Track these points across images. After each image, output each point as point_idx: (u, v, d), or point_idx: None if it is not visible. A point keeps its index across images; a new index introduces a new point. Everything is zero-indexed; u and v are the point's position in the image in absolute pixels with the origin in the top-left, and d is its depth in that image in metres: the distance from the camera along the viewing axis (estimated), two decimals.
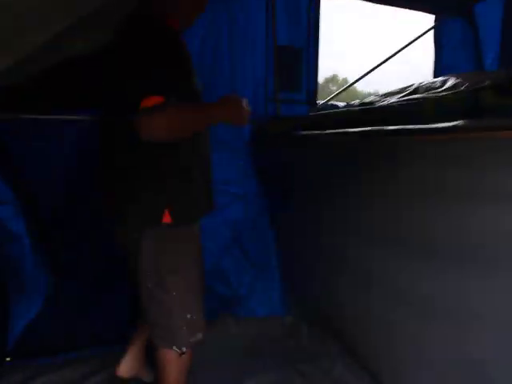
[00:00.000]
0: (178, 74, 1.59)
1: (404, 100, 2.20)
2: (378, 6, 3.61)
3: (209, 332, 1.93)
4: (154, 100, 1.47)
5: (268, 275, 3.32)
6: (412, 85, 2.64)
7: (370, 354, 2.37)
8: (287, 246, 3.14)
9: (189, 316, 1.80)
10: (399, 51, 3.47)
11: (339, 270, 2.37)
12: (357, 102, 2.87)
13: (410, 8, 3.74)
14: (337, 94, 3.43)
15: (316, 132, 2.21)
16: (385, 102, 2.44)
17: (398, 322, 1.96)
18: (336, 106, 3.39)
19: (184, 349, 1.80)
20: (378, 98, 2.66)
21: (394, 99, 2.46)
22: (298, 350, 2.81)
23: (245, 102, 1.76)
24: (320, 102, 3.38)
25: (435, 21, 3.93)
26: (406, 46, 3.56)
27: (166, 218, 1.70)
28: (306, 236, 2.70)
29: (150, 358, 2.23)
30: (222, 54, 3.09)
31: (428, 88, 2.35)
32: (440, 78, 2.31)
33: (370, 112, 2.02)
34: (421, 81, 2.39)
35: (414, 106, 1.83)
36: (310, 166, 2.52)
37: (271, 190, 3.08)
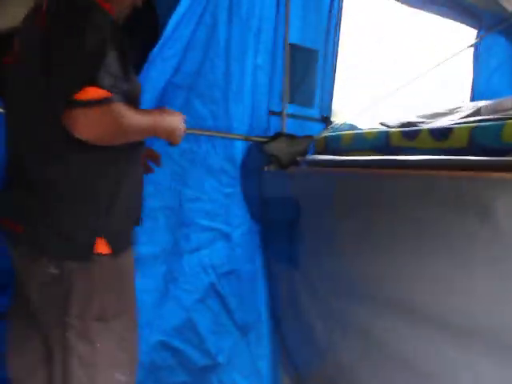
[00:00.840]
0: (116, 67, 1.32)
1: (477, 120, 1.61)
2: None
3: None
4: (93, 92, 1.24)
5: (255, 338, 2.60)
6: (460, 106, 2.22)
7: None
8: (284, 302, 2.39)
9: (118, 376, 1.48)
10: (436, 66, 2.77)
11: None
12: (390, 122, 2.18)
13: (451, 17, 3.12)
14: (358, 113, 2.70)
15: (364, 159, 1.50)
16: (439, 123, 1.80)
17: None
18: (355, 127, 2.68)
19: None
20: (424, 120, 1.99)
21: (447, 120, 1.82)
22: None
23: (182, 118, 1.57)
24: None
25: (476, 37, 3.29)
26: (443, 61, 2.87)
27: (101, 247, 1.41)
28: (315, 293, 1.96)
29: None
30: (216, 47, 2.37)
31: (495, 109, 1.76)
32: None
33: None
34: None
35: None
36: (331, 203, 1.80)
37: (269, 229, 2.34)
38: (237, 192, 2.47)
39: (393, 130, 1.97)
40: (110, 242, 1.41)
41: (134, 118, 1.35)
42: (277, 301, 2.48)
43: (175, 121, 1.53)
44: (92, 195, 1.40)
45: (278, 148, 2.30)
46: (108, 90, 1.24)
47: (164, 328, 2.37)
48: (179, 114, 1.56)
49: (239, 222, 2.52)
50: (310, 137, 2.37)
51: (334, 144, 2.28)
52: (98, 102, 1.23)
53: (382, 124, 2.27)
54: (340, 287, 1.78)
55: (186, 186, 2.33)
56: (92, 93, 1.22)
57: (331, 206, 1.77)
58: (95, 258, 1.39)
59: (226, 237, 2.50)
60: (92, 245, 1.38)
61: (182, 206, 2.34)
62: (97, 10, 1.31)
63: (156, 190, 2.24)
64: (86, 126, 1.25)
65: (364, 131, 2.14)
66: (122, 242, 1.50)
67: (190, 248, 2.39)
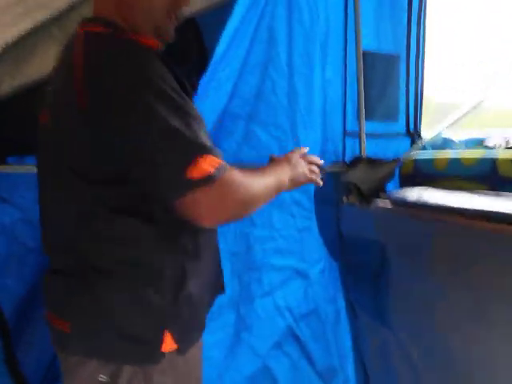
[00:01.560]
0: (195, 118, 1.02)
1: None
2: None
3: None
4: (206, 164, 0.94)
5: None
6: None
7: None
8: (372, 352, 2.07)
9: None
10: None
11: None
12: (492, 140, 1.78)
13: None
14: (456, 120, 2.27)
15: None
16: None
17: None
18: (450, 142, 2.27)
19: None
20: None
21: None
22: None
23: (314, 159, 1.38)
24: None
25: None
26: None
27: (167, 344, 1.08)
28: (407, 358, 1.62)
29: None
30: (276, 64, 2.07)
31: None
32: None
33: None
34: None
35: None
36: (429, 258, 1.45)
37: (350, 271, 2.01)
38: (312, 225, 2.17)
39: (500, 154, 1.57)
40: (178, 337, 1.10)
41: (256, 184, 1.10)
42: (363, 347, 2.15)
43: (297, 165, 1.30)
44: (155, 279, 1.09)
45: (358, 176, 1.97)
46: (217, 156, 0.97)
47: (237, 379, 2.14)
48: (296, 152, 1.34)
49: (316, 258, 2.22)
50: (395, 160, 2.01)
51: (424, 168, 1.91)
52: (215, 175, 0.95)
53: (483, 144, 1.86)
54: (438, 361, 1.43)
55: (253, 226, 2.07)
56: (205, 165, 0.94)
57: (429, 263, 1.42)
58: (159, 358, 1.08)
59: (302, 275, 2.22)
60: (157, 343, 1.07)
61: (250, 248, 2.08)
62: (148, 57, 1.01)
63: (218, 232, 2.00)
64: (211, 209, 0.99)
65: (462, 155, 1.75)
66: (193, 334, 1.21)
67: (262, 291, 2.13)
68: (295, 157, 1.31)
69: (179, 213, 0.99)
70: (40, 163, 1.18)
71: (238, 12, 1.92)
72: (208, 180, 0.93)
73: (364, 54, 2.08)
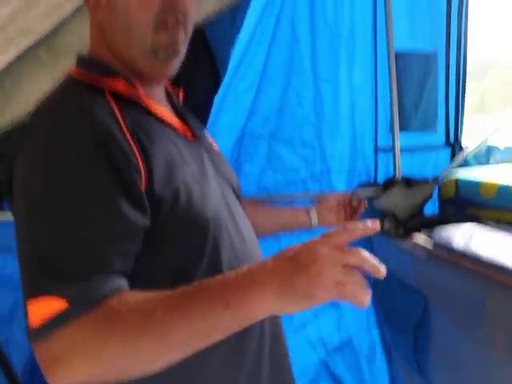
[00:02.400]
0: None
1: None
2: None
3: None
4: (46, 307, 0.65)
5: None
6: None
7: None
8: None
9: None
10: None
11: None
12: None
13: None
14: (498, 128, 1.98)
15: None
16: None
17: None
18: (497, 151, 2.00)
19: None
20: None
21: None
22: None
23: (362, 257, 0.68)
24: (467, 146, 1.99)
25: None
26: None
27: None
28: None
29: None
30: (300, 70, 1.83)
31: None
32: None
33: None
34: None
35: None
36: (482, 321, 1.24)
37: (389, 311, 1.80)
38: None
39: None
40: None
41: (142, 331, 0.66)
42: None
43: (312, 266, 0.66)
44: None
45: (393, 202, 1.73)
46: (63, 295, 0.66)
47: None
48: (326, 240, 0.69)
49: None
50: (434, 181, 1.76)
51: (469, 193, 1.67)
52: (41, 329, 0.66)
53: None
54: None
55: None
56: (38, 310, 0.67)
57: (480, 327, 1.20)
58: None
59: (334, 304, 2.01)
60: None
61: None
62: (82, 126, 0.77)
63: None
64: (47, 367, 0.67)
65: None
66: None
67: (293, 327, 1.95)
68: (316, 251, 0.67)
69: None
70: None
71: (252, 13, 1.69)
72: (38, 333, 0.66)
73: (397, 55, 1.81)
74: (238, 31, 1.68)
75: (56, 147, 0.76)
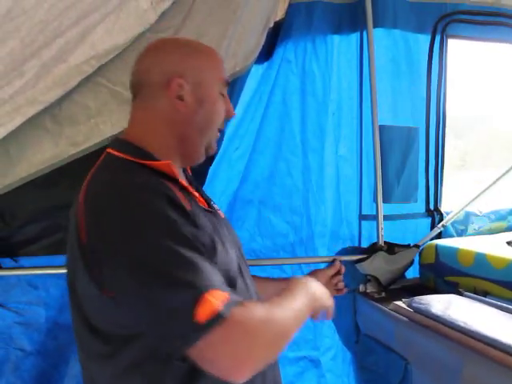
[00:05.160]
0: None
1: None
2: None
3: None
4: (210, 304, 0.78)
5: None
6: None
7: None
8: None
9: None
10: None
11: None
12: None
13: None
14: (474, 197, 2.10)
15: None
16: None
17: None
18: (473, 217, 2.13)
19: None
20: None
21: None
22: None
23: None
24: (447, 211, 2.11)
25: None
26: None
27: None
28: None
29: None
30: (291, 141, 1.96)
31: None
32: None
33: None
34: None
35: None
36: None
37: (371, 373, 1.84)
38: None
39: None
40: None
41: (282, 314, 0.90)
42: None
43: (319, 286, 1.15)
44: None
45: (376, 267, 1.82)
46: (225, 291, 0.83)
47: None
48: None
49: (329, 345, 2.09)
50: (415, 248, 1.86)
51: (447, 260, 1.77)
52: (223, 312, 0.78)
53: (510, 244, 1.71)
54: None
55: None
56: (212, 302, 0.79)
57: None
58: None
59: (315, 364, 2.08)
60: None
61: None
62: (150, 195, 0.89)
63: None
64: (230, 356, 0.80)
65: (489, 253, 1.60)
66: None
67: None
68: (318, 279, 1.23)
69: (205, 370, 0.82)
70: None
71: (249, 85, 1.82)
72: (217, 319, 0.77)
73: (381, 127, 1.94)
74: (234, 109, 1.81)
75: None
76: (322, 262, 1.76)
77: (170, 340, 0.82)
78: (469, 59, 2.32)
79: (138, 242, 0.83)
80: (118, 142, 1.05)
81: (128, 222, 0.84)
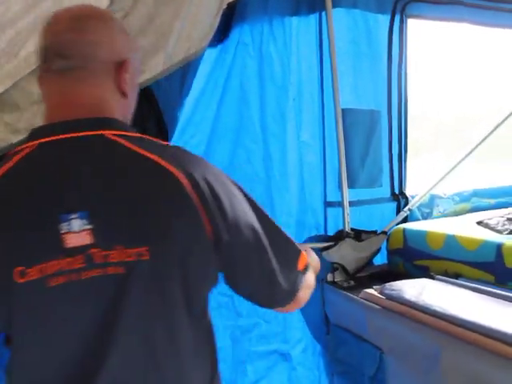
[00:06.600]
0: None
1: None
2: None
3: None
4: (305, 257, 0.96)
5: None
6: None
7: None
8: None
9: None
10: None
11: None
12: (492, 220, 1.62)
13: None
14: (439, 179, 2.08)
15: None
16: None
17: None
18: (438, 199, 2.10)
19: None
20: None
21: None
22: None
23: None
24: (412, 195, 2.07)
25: None
26: None
27: None
28: None
29: None
30: (250, 127, 1.86)
31: None
32: None
33: None
34: None
35: None
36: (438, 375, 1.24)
37: (342, 365, 1.79)
38: None
39: (506, 242, 1.39)
40: None
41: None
42: None
43: None
44: None
45: (343, 255, 1.76)
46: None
47: None
48: None
49: (298, 338, 2.00)
50: (382, 234, 1.81)
51: (416, 244, 1.72)
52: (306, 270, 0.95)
53: (480, 224, 1.68)
54: None
55: (238, 317, 1.85)
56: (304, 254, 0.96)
57: (437, 380, 1.21)
58: None
59: (285, 357, 2.00)
60: None
61: (235, 341, 1.86)
62: None
63: None
64: (310, 292, 0.97)
65: (459, 235, 1.56)
66: None
67: (248, 382, 1.91)
68: None
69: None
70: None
71: (203, 70, 1.72)
72: (309, 266, 0.95)
73: (343, 110, 1.88)
74: (187, 94, 1.71)
75: None
76: None
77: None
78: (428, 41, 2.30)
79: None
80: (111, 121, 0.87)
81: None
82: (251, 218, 0.86)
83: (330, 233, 1.92)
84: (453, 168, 2.05)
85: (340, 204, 1.87)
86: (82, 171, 0.78)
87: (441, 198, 2.12)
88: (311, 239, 1.90)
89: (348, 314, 1.66)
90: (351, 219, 1.87)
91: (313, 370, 2.04)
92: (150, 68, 1.51)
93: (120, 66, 0.87)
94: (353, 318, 1.62)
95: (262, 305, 0.94)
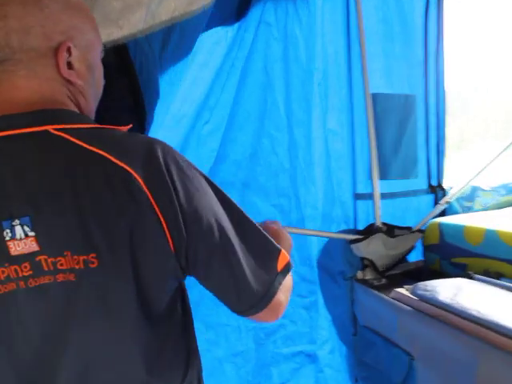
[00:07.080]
0: None
1: None
2: None
3: None
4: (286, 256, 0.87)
5: None
6: None
7: None
8: None
9: None
10: None
11: None
12: None
13: None
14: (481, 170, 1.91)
15: None
16: None
17: None
18: (481, 192, 1.94)
19: None
20: None
21: None
22: None
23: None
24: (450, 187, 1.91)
25: None
26: None
27: None
28: None
29: None
30: (275, 113, 1.74)
31: None
32: None
33: None
34: None
35: None
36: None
37: (370, 370, 1.66)
38: (319, 299, 1.84)
39: None
40: None
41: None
42: None
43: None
44: None
45: (373, 251, 1.63)
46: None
47: None
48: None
49: (325, 338, 1.89)
50: (418, 232, 1.66)
51: (453, 239, 1.58)
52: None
53: None
54: None
55: None
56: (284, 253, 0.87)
57: None
58: None
59: (312, 358, 1.89)
60: None
61: (260, 344, 1.78)
62: None
63: (217, 335, 1.69)
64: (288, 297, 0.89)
65: (501, 230, 1.41)
66: None
67: None
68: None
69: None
70: None
71: (217, 50, 1.59)
72: (290, 266, 0.87)
73: (374, 96, 1.75)
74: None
75: None
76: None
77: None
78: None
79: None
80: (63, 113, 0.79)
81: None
82: (217, 212, 0.78)
83: (360, 227, 1.79)
84: (496, 157, 1.87)
85: (371, 196, 1.74)
86: (23, 173, 0.70)
87: (483, 190, 1.95)
88: (341, 233, 1.78)
89: (377, 315, 1.53)
90: (383, 213, 1.74)
91: (342, 372, 1.93)
92: (130, 24, 1.36)
93: (58, 51, 0.77)
94: (382, 320, 1.49)
95: (232, 310, 0.83)
